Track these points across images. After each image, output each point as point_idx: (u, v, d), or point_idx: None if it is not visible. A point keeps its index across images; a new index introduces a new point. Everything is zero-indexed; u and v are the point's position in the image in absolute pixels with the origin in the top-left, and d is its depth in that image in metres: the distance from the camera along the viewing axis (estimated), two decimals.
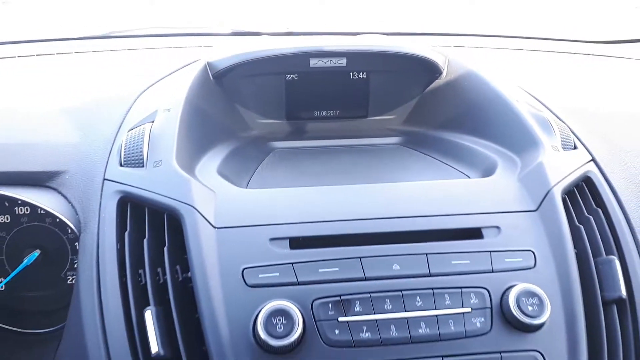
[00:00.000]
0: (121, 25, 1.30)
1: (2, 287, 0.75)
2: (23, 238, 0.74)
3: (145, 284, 0.57)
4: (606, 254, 0.63)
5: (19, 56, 1.05)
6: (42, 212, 0.71)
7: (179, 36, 1.20)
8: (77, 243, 0.67)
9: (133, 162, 0.66)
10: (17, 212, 0.73)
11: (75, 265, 0.72)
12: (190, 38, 1.18)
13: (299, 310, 0.52)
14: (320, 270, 0.56)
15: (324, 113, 0.94)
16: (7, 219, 0.73)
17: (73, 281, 0.74)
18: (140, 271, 0.58)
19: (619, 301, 0.60)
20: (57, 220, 0.69)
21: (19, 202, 0.71)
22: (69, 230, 0.72)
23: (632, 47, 1.31)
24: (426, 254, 0.58)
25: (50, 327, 0.75)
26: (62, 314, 0.67)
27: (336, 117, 0.95)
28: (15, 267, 0.73)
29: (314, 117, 0.94)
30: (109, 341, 0.53)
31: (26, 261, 0.72)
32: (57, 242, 0.74)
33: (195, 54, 0.98)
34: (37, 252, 0.73)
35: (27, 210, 0.73)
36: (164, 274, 0.57)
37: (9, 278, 0.73)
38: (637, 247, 0.64)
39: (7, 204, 0.72)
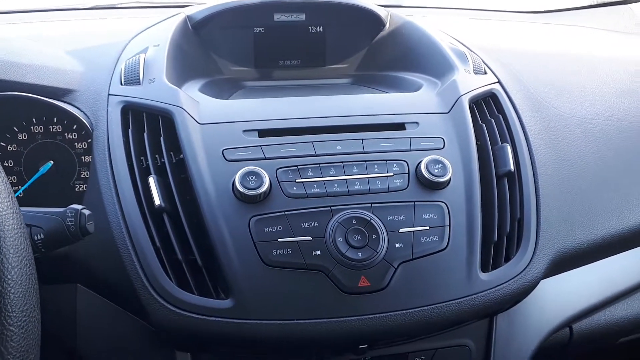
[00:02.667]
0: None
1: (20, 194, 0.90)
2: (38, 153, 0.89)
3: (148, 165, 0.74)
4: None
5: (13, 23, 1.20)
6: (54, 129, 0.87)
7: (162, 7, 1.36)
8: (85, 153, 0.82)
9: (131, 81, 0.83)
10: (32, 131, 0.88)
11: (82, 176, 0.88)
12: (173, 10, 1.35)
13: (267, 174, 0.70)
14: (282, 150, 0.74)
15: (288, 62, 1.12)
16: (25, 137, 0.89)
17: (81, 189, 0.90)
18: (142, 158, 0.75)
19: (509, 175, 0.79)
20: (67, 137, 0.85)
21: (34, 121, 0.87)
22: (77, 146, 0.88)
23: (556, 16, 1.53)
24: (362, 139, 0.76)
25: None
26: None
27: (298, 66, 1.13)
28: (31, 177, 0.88)
29: (279, 65, 1.12)
30: (122, 201, 0.70)
31: (41, 170, 0.88)
32: (66, 155, 0.89)
33: None
34: (50, 163, 0.89)
35: (41, 129, 0.89)
36: (162, 157, 0.74)
37: (27, 185, 0.88)
38: (526, 139, 0.84)
39: (24, 123, 0.88)
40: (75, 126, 0.87)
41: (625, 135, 0.93)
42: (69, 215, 0.57)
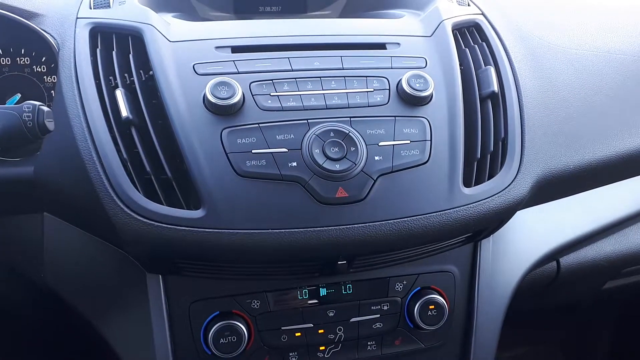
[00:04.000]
0: None
1: None
2: (5, 85, 0.85)
3: (116, 84, 0.70)
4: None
5: None
6: (22, 62, 0.83)
7: None
8: (54, 87, 0.79)
9: (101, 4, 0.79)
10: (0, 63, 0.85)
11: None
12: None
13: (239, 85, 0.66)
14: (256, 65, 0.71)
15: (268, 9, 1.09)
16: None
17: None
18: (111, 77, 0.72)
19: (493, 96, 0.77)
20: (36, 70, 0.82)
21: (1, 52, 0.83)
22: (46, 80, 0.84)
23: None
24: (341, 57, 0.73)
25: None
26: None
27: (279, 12, 1.09)
28: None
29: (259, 12, 1.08)
30: (88, 114, 0.66)
31: (9, 102, 0.84)
32: (35, 89, 0.86)
33: None
34: (18, 95, 0.85)
35: (8, 61, 0.85)
36: (131, 76, 0.71)
37: None
38: (510, 63, 0.81)
39: None
40: (44, 58, 0.83)
41: (611, 66, 0.91)
42: (26, 110, 0.54)
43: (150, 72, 0.70)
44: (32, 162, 0.72)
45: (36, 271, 0.75)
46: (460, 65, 0.77)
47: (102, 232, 0.70)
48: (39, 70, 0.83)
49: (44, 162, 0.70)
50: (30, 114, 0.53)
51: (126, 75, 0.72)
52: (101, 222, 0.65)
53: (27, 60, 0.83)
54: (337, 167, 0.64)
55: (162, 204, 0.63)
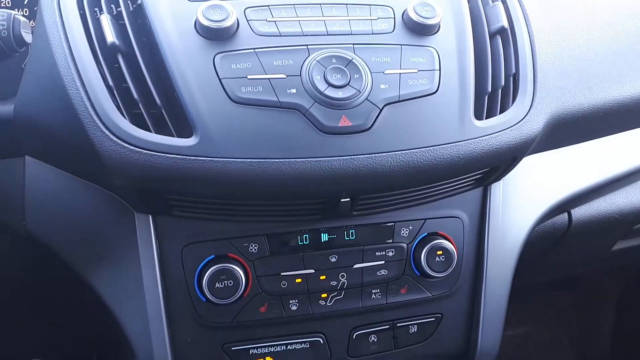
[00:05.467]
0: None
1: None
2: None
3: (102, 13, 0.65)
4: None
5: None
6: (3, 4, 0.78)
7: None
8: None
9: None
10: None
11: None
12: None
13: (233, 9, 0.61)
14: None
15: None
16: None
17: None
18: (96, 9, 0.66)
19: (502, 31, 0.72)
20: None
21: None
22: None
23: None
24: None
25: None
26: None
27: None
28: None
29: None
30: (70, 41, 0.61)
31: None
32: None
33: None
34: None
35: None
36: (118, 7, 0.65)
37: None
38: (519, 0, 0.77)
39: None
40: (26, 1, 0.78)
41: (628, 9, 0.87)
42: (0, 19, 0.49)
43: (139, 2, 0.65)
44: (10, 102, 0.67)
45: (17, 219, 0.70)
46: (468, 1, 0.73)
47: (87, 169, 0.65)
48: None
49: (23, 97, 0.65)
50: (4, 23, 0.48)
51: (112, 6, 0.67)
52: (86, 157, 0.60)
53: (7, 2, 0.78)
54: (339, 94, 0.60)
55: (151, 132, 0.58)
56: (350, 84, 0.60)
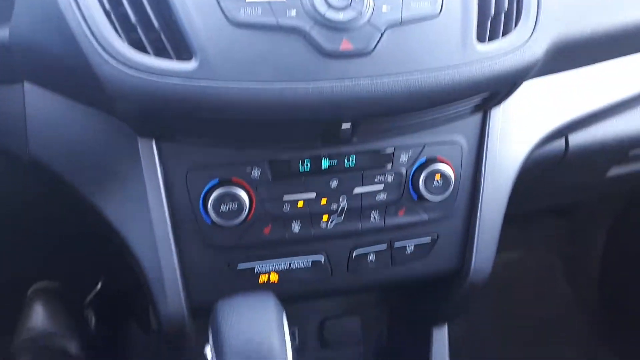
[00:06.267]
0: None
1: None
2: None
3: None
4: None
5: None
6: None
7: None
8: None
9: None
10: None
11: None
12: None
13: None
14: None
15: None
16: None
17: None
18: None
19: None
20: None
21: None
22: None
23: None
24: None
25: None
26: None
27: None
28: None
29: None
30: None
31: None
32: None
33: None
34: None
35: None
36: None
37: None
38: None
39: None
40: None
41: None
42: None
43: None
44: (6, 25, 0.66)
45: (21, 145, 0.71)
46: None
47: (88, 94, 0.65)
48: None
49: (19, 21, 0.64)
50: None
51: None
52: (86, 82, 0.60)
53: None
54: (340, 16, 0.59)
55: (150, 55, 0.58)
56: (351, 5, 0.59)
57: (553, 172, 0.93)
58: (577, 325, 1.65)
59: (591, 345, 1.60)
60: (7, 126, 0.71)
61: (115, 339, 1.55)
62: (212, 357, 0.54)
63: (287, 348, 0.54)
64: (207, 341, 0.72)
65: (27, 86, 0.70)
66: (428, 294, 0.88)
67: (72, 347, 1.37)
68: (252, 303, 0.55)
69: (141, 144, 0.66)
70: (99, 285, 1.52)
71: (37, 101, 0.70)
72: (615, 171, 1.06)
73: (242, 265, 0.71)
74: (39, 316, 1.37)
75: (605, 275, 1.66)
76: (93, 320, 1.51)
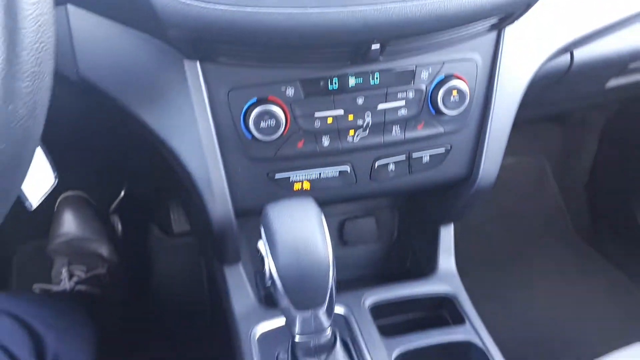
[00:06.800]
0: None
1: None
2: None
3: None
4: None
5: None
6: None
7: None
8: None
9: None
10: None
11: None
12: None
13: None
14: None
15: None
16: None
17: None
18: None
19: None
20: None
21: None
22: None
23: None
24: None
25: None
26: None
27: None
28: None
29: None
30: None
31: None
32: None
33: None
34: None
35: None
36: None
37: None
38: None
39: None
40: None
41: None
42: None
43: None
44: None
45: (70, 67, 0.75)
46: None
47: (137, 19, 0.69)
48: None
49: None
50: None
51: None
52: (138, 8, 0.64)
53: None
54: None
55: None
56: None
57: (556, 84, 1.00)
58: (564, 225, 1.80)
59: (576, 243, 1.75)
60: (57, 51, 0.75)
61: (140, 243, 1.67)
62: (266, 250, 0.63)
63: (328, 243, 0.63)
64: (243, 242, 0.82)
65: (71, 8, 0.73)
66: (438, 197, 0.98)
67: (104, 250, 1.49)
68: (296, 205, 0.63)
69: (187, 65, 0.71)
70: (122, 193, 1.61)
71: (82, 24, 0.73)
72: (614, 82, 1.12)
73: (279, 175, 0.80)
74: (71, 222, 1.46)
75: (594, 180, 1.78)
76: (119, 226, 1.63)
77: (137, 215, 1.67)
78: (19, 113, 0.40)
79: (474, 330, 0.85)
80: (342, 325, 0.86)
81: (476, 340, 0.83)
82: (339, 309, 0.88)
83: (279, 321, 0.86)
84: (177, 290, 1.62)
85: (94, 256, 1.48)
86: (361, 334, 0.83)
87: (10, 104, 0.39)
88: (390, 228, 1.11)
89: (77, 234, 1.47)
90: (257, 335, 0.84)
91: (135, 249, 1.65)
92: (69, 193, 1.50)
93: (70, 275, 1.41)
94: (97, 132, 1.06)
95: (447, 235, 1.01)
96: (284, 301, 0.63)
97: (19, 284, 1.57)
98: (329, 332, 0.69)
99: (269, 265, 0.62)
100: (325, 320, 0.67)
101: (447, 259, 0.99)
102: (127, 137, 1.04)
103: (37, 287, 1.41)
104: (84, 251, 1.47)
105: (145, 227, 1.69)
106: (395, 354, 0.81)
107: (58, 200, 1.50)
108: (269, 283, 0.64)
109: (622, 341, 0.74)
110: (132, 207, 1.63)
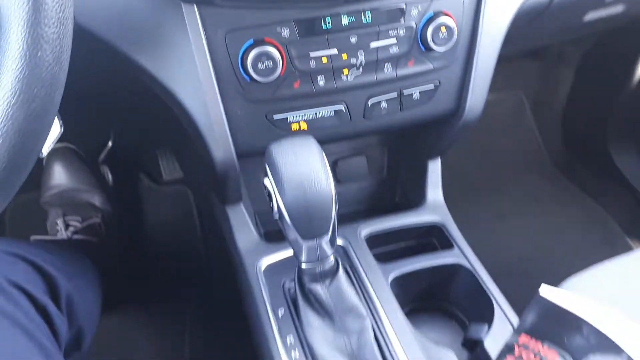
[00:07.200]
0: None
1: None
2: None
3: None
4: None
5: None
6: None
7: None
8: None
9: None
10: None
11: None
12: None
13: None
14: None
15: None
16: None
17: None
18: None
19: None
20: None
21: None
22: None
23: None
24: None
25: None
26: None
27: None
28: None
29: None
30: None
31: None
32: None
33: None
34: None
35: None
36: None
37: None
38: None
39: None
40: None
41: None
42: None
43: None
44: None
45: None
46: None
47: None
48: None
49: None
50: None
51: None
52: None
53: None
54: None
55: None
56: None
57: (536, 19, 1.03)
58: (541, 158, 1.87)
59: (553, 175, 1.83)
60: None
61: (131, 192, 1.70)
62: (272, 186, 0.67)
63: (330, 177, 0.67)
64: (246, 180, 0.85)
65: None
66: (426, 133, 1.03)
67: (96, 200, 1.51)
68: (299, 143, 0.67)
69: (185, 8, 0.72)
70: (110, 144, 1.62)
71: None
72: (591, 15, 1.15)
73: (277, 116, 0.83)
74: (61, 174, 1.47)
75: (569, 114, 1.84)
76: (109, 176, 1.64)
77: (126, 165, 1.68)
78: (47, 59, 0.42)
79: (462, 253, 0.92)
80: (342, 255, 0.92)
81: (464, 262, 0.90)
82: (337, 241, 0.93)
83: (281, 254, 0.92)
84: (171, 236, 1.66)
85: (88, 206, 1.50)
86: (359, 262, 0.89)
87: (39, 50, 0.41)
88: (380, 165, 1.16)
89: (69, 185, 1.48)
90: (263, 268, 0.90)
91: (126, 197, 1.67)
92: (57, 145, 1.50)
93: (67, 226, 1.44)
94: (83, 79, 1.05)
95: (434, 168, 1.07)
96: (292, 232, 0.68)
97: (14, 237, 1.60)
98: (332, 259, 0.74)
99: (277, 200, 0.66)
100: (328, 249, 0.72)
101: (435, 191, 1.05)
102: (112, 83, 1.04)
103: (34, 238, 1.43)
104: (77, 202, 1.48)
105: (135, 176, 1.71)
106: (391, 277, 0.87)
107: (46, 153, 1.50)
108: (276, 217, 0.68)
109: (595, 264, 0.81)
110: (120, 157, 1.65)
